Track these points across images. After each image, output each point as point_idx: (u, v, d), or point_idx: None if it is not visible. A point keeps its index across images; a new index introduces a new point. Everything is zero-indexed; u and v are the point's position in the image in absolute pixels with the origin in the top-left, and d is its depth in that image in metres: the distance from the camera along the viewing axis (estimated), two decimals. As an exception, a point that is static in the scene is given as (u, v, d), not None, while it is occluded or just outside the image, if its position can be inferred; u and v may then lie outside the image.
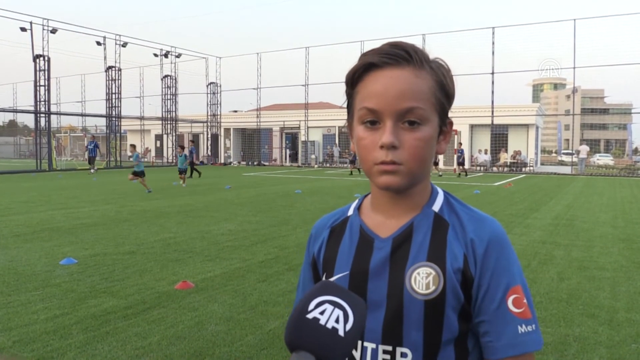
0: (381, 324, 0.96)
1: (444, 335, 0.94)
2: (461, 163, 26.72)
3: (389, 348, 0.95)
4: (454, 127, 1.13)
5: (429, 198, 1.02)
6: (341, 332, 0.68)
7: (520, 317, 0.92)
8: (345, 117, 1.04)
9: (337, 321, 0.69)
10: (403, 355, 0.95)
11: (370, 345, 0.97)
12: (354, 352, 0.98)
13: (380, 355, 0.96)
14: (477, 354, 0.97)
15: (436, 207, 1.02)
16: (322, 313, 0.69)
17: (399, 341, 0.95)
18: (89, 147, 29.92)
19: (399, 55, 0.93)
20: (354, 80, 0.97)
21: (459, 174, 26.74)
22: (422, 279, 0.94)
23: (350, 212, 1.09)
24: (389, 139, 0.90)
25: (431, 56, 0.97)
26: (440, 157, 31.35)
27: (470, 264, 0.95)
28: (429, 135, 0.94)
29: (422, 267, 0.95)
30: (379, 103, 0.92)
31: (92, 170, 28.29)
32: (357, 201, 1.11)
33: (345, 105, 1.03)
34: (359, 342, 0.98)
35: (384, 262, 0.98)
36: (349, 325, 0.69)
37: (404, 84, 0.91)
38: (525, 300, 0.94)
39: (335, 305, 0.70)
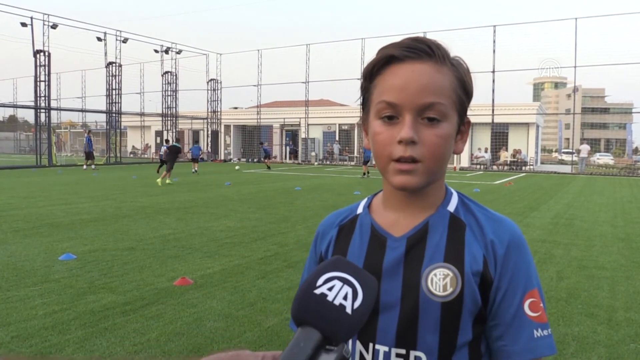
0: (395, 326, 0.93)
1: (459, 338, 0.91)
2: (366, 161, 24.14)
3: (403, 351, 0.92)
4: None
5: (444, 198, 1.00)
6: (348, 310, 0.66)
7: (536, 320, 0.90)
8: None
9: (345, 298, 0.66)
10: (417, 359, 0.92)
11: (382, 348, 0.93)
12: (365, 354, 0.95)
13: (393, 359, 0.93)
14: (489, 357, 0.95)
15: (451, 207, 0.99)
16: (330, 289, 0.67)
17: (413, 344, 0.92)
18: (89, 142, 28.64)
19: (421, 49, 0.90)
20: (373, 73, 0.93)
21: (364, 172, 23.63)
22: (439, 281, 0.91)
23: (360, 210, 1.06)
24: (409, 133, 0.87)
25: (451, 54, 0.94)
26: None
27: (490, 266, 0.92)
28: (449, 133, 0.91)
29: (439, 268, 0.92)
30: (399, 97, 0.88)
31: (93, 166, 27.95)
32: (366, 199, 1.08)
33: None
34: (371, 345, 0.95)
35: (397, 262, 0.95)
36: (357, 303, 0.67)
37: (425, 78, 0.88)
38: (541, 304, 0.92)
39: (345, 281, 0.68)
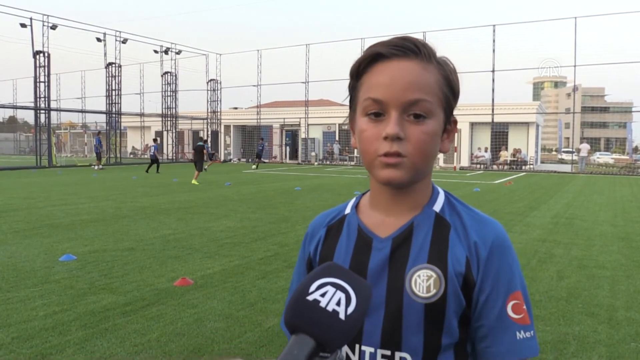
0: (380, 328, 0.93)
1: (444, 339, 0.92)
2: (258, 155, 30.84)
3: (388, 352, 0.93)
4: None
5: (430, 197, 0.99)
6: (342, 316, 0.65)
7: (519, 322, 0.91)
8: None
9: (338, 304, 0.66)
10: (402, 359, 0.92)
11: (368, 349, 0.94)
12: (351, 355, 0.96)
13: None
14: (474, 358, 0.95)
15: (437, 207, 0.98)
16: (323, 295, 0.67)
17: (398, 345, 0.92)
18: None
19: (407, 47, 0.90)
20: (359, 71, 0.94)
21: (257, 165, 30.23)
22: (423, 282, 0.91)
23: (348, 211, 1.06)
24: (394, 129, 0.87)
25: (438, 54, 0.95)
26: (440, 155, 31.34)
27: (473, 267, 0.92)
28: (435, 130, 0.91)
29: (422, 270, 0.92)
30: (385, 93, 0.89)
31: (96, 167, 28.37)
32: (354, 199, 1.08)
33: (347, 100, 1.00)
34: (357, 346, 0.95)
35: (383, 264, 0.95)
36: (350, 309, 0.66)
37: (411, 75, 0.89)
38: (524, 307, 0.92)
39: (338, 287, 0.68)
